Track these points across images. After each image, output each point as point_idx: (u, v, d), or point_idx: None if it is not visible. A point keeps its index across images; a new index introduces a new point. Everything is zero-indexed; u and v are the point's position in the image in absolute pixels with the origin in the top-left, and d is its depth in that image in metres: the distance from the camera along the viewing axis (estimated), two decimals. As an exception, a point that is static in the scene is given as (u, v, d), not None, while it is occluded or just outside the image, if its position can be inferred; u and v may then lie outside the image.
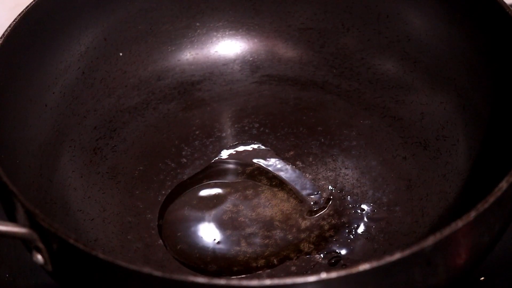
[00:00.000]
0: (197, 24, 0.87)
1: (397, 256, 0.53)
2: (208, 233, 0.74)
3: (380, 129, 0.81)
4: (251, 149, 0.81)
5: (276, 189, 0.78)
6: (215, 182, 0.78)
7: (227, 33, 0.88)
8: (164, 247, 0.73)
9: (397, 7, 0.82)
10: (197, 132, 0.83)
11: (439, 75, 0.80)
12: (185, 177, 0.79)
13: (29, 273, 0.74)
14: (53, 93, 0.77)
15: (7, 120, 0.69)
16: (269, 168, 0.79)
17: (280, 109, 0.84)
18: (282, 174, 0.79)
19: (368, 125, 0.82)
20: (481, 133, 0.74)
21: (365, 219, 0.75)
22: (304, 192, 0.77)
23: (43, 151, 0.74)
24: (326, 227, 0.74)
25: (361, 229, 0.74)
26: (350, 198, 0.76)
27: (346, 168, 0.79)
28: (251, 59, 0.87)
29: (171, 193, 0.77)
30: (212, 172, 0.79)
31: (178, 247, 0.73)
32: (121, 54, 0.84)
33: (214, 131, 0.83)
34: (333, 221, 0.75)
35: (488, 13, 0.72)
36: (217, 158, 0.81)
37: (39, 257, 0.60)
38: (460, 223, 0.55)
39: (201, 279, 0.52)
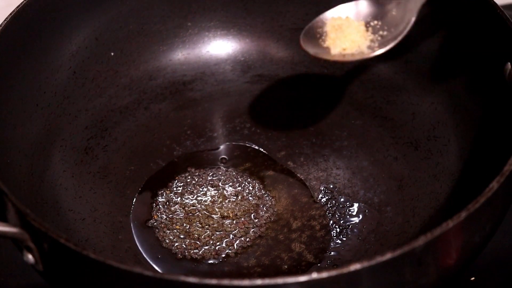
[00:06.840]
0: (189, 24, 0.87)
1: (388, 256, 0.53)
2: (199, 233, 0.74)
3: (371, 129, 0.81)
4: (243, 149, 0.81)
5: (267, 189, 0.78)
6: (206, 182, 0.78)
7: (218, 33, 0.88)
8: (155, 247, 0.73)
9: (388, 7, 0.82)
10: (188, 132, 0.83)
11: (430, 75, 0.80)
12: (176, 176, 0.79)
13: (20, 272, 0.74)
14: (44, 92, 0.77)
15: (-2, 120, 0.69)
16: (260, 168, 0.79)
17: (272, 109, 0.84)
18: (273, 174, 0.79)
19: (359, 125, 0.82)
20: (472, 134, 0.74)
21: (356, 219, 0.75)
22: (295, 192, 0.77)
23: (34, 151, 0.74)
24: (317, 227, 0.74)
25: (352, 229, 0.74)
26: (341, 198, 0.76)
27: (337, 168, 0.79)
28: (242, 59, 0.87)
29: (161, 193, 0.77)
30: (203, 172, 0.79)
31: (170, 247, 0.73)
32: (112, 53, 0.84)
33: (206, 131, 0.83)
34: (324, 221, 0.75)
35: (480, 14, 0.72)
36: (208, 158, 0.81)
37: (30, 257, 0.60)
38: (450, 224, 0.55)
39: (192, 279, 0.52)
